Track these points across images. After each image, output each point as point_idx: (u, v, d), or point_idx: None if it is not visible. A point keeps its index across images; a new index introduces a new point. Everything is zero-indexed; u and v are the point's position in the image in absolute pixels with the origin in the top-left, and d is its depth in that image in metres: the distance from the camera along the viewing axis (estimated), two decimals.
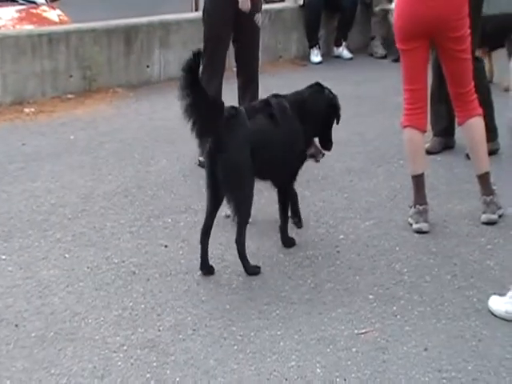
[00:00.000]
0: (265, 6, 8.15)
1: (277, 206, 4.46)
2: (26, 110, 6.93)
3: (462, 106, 4.72)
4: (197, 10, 8.44)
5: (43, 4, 8.52)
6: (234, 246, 4.12)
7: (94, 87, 7.47)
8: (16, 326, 3.62)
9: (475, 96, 4.75)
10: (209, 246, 4.15)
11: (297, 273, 4.15)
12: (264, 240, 4.43)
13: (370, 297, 3.91)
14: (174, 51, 8.00)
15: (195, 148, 5.54)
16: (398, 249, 4.42)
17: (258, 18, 5.73)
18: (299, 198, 4.63)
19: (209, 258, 4.15)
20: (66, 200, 5.05)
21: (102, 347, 3.47)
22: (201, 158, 5.41)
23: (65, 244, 4.45)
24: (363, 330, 3.61)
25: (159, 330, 3.61)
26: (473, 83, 4.73)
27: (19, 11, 8.30)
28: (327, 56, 8.87)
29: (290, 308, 3.80)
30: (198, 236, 4.23)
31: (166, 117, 6.75)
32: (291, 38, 8.90)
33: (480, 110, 4.73)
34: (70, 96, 7.32)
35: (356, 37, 9.15)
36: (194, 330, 3.62)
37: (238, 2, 5.51)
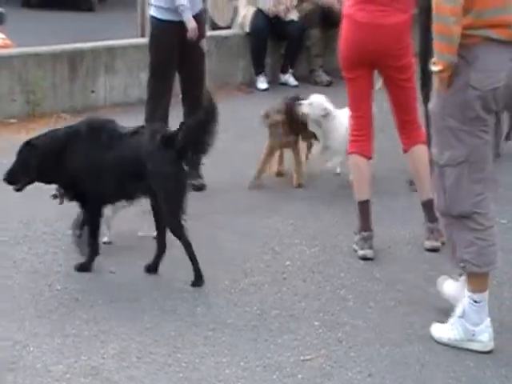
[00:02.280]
0: (211, 33, 8.23)
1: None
2: None
3: (407, 133, 4.80)
4: (143, 35, 8.41)
5: None
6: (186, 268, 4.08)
7: (37, 112, 7.38)
8: None
9: (419, 124, 4.84)
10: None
11: (243, 299, 4.14)
12: (208, 267, 4.41)
13: (316, 323, 3.91)
14: (120, 77, 7.97)
15: None
16: (343, 275, 4.45)
17: (203, 43, 5.76)
18: (246, 225, 4.63)
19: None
20: (7, 226, 4.96)
21: (45, 376, 3.40)
22: None
23: (5, 271, 4.36)
24: (308, 357, 3.61)
25: (103, 358, 3.55)
26: (417, 111, 4.82)
27: None
28: (273, 83, 8.94)
29: (236, 335, 3.79)
30: (144, 262, 4.18)
31: None
32: (237, 65, 8.94)
33: (424, 138, 4.81)
34: (12, 120, 7.22)
35: (300, 64, 9.25)
36: (139, 357, 3.57)
37: (183, 29, 5.53)
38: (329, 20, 8.84)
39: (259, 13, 8.79)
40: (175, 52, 5.63)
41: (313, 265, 4.57)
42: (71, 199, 4.45)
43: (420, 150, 4.78)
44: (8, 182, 4.38)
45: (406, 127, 4.79)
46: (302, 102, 5.73)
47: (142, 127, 4.44)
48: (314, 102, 5.70)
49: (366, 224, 4.71)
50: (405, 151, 4.90)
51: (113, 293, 4.16)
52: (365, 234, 4.68)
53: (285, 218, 5.25)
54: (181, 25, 5.55)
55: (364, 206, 4.73)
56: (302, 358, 3.59)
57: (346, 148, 4.92)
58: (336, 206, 5.48)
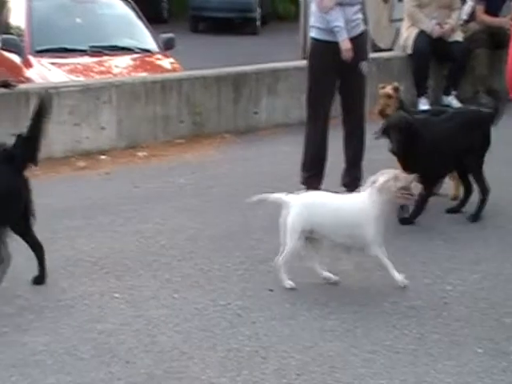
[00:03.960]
0: (373, 55, 8.23)
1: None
2: (139, 153, 7.19)
3: None
4: (305, 58, 8.56)
5: (157, 52, 8.86)
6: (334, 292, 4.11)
7: (202, 133, 7.68)
8: (127, 362, 3.73)
9: None
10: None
11: (401, 322, 4.11)
12: (370, 289, 4.41)
13: (479, 350, 3.82)
14: (281, 98, 8.14)
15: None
16: (510, 303, 4.31)
17: (364, 66, 5.77)
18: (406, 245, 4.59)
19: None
20: (175, 242, 5.19)
21: None
22: None
23: (173, 284, 4.57)
24: None
25: (263, 373, 3.64)
26: None
27: (134, 59, 8.66)
28: (436, 105, 8.81)
29: (394, 357, 3.77)
30: (302, 281, 4.24)
31: (273, 163, 6.86)
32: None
33: None
34: (180, 141, 7.55)
35: (464, 86, 9.07)
36: (298, 374, 3.63)
37: (340, 50, 5.57)
38: (496, 40, 8.63)
39: (422, 34, 8.70)
40: (333, 73, 5.67)
41: (475, 291, 4.46)
42: None
43: None
44: None
45: None
46: None
47: None
48: None
49: None
50: None
51: (273, 310, 4.25)
52: None
53: (445, 242, 5.16)
54: (338, 46, 5.58)
55: None
56: None
57: None
58: (503, 231, 5.33)
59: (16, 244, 4.42)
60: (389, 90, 5.80)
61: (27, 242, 4.49)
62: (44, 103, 4.38)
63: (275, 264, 4.50)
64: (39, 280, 4.48)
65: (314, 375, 3.63)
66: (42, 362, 3.69)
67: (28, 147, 4.30)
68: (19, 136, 4.34)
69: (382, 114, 5.72)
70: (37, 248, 4.52)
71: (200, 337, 3.98)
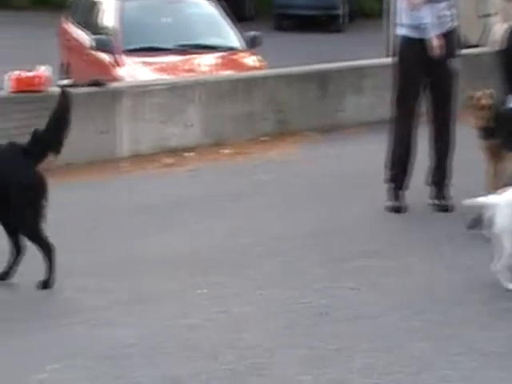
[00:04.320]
0: (462, 51, 8.06)
1: None
2: (224, 151, 7.25)
3: None
4: (389, 55, 8.46)
5: (242, 50, 8.91)
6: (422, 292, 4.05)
7: (287, 130, 7.69)
8: (210, 357, 3.77)
9: None
10: None
11: (493, 324, 4.02)
12: (457, 288, 4.33)
13: None
14: (366, 96, 8.08)
15: (385, 192, 5.57)
16: None
17: (453, 63, 5.66)
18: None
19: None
20: (259, 239, 5.21)
21: None
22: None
23: (257, 282, 4.60)
24: None
25: (347, 372, 3.63)
26: None
27: (220, 57, 8.73)
28: None
29: (483, 360, 3.69)
30: (388, 281, 4.21)
31: (357, 161, 6.82)
32: (488, 84, 8.68)
33: None
34: (264, 138, 7.58)
35: None
36: (383, 374, 3.60)
37: (428, 47, 5.49)
38: None
39: None
40: (420, 70, 5.59)
41: None
42: None
43: None
44: None
45: None
46: None
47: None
48: None
49: None
50: None
51: (357, 309, 4.22)
52: None
53: None
54: (425, 43, 5.50)
55: None
56: None
57: None
58: None
59: (102, 241, 4.51)
60: (485, 99, 5.51)
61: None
62: (64, 99, 4.48)
63: (494, 268, 4.36)
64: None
65: (399, 375, 3.59)
66: (131, 356, 3.77)
67: (43, 142, 4.39)
68: (35, 132, 4.44)
69: (483, 128, 5.45)
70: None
71: (283, 334, 3.99)
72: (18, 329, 3.98)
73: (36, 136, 4.42)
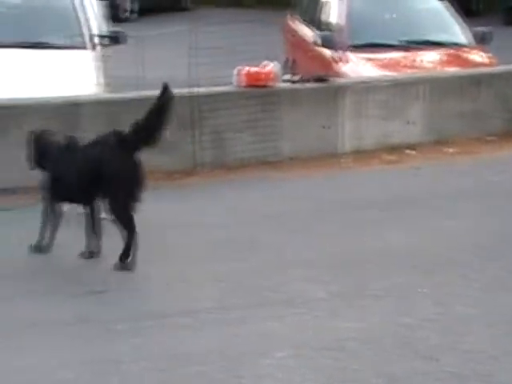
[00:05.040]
0: None
1: None
2: (448, 149, 7.06)
3: None
4: None
5: (469, 46, 8.62)
6: None
7: None
8: (429, 358, 3.68)
9: None
10: None
11: None
12: None
13: None
14: None
15: None
16: None
17: None
18: None
19: None
20: (482, 241, 5.03)
21: None
22: None
23: (481, 285, 4.43)
24: None
25: None
26: None
27: (445, 54, 8.51)
28: None
29: None
30: None
31: None
32: None
33: None
34: (491, 138, 7.29)
35: None
36: None
37: None
38: None
39: None
40: None
41: None
42: None
43: None
44: None
45: None
46: None
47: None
48: None
49: None
50: None
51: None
52: None
53: None
54: None
55: None
56: None
57: None
58: None
59: (325, 235, 4.53)
60: None
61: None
62: (165, 93, 4.64)
63: None
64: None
65: None
66: (350, 348, 3.79)
67: (141, 133, 4.63)
68: (135, 123, 4.69)
69: None
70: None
71: (509, 341, 3.81)
72: (251, 316, 4.12)
73: (135, 127, 4.68)
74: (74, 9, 7.75)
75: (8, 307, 4.22)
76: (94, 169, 4.67)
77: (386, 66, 8.15)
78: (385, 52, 8.38)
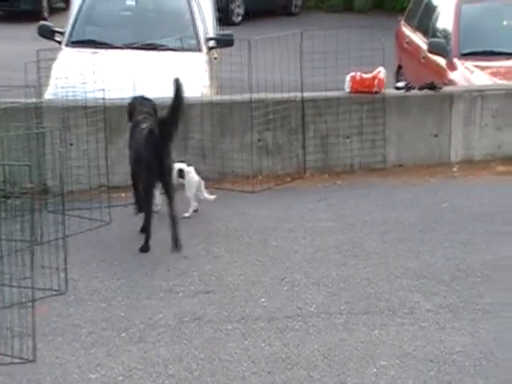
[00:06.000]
0: None
1: None
2: None
3: None
4: None
5: None
6: None
7: None
8: None
9: None
10: None
11: None
12: None
13: None
14: None
15: None
16: None
17: None
18: None
19: None
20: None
21: None
22: None
23: None
24: None
25: None
26: None
27: None
28: None
29: None
30: None
31: None
32: None
33: None
34: None
35: None
36: None
37: None
38: None
39: None
40: None
41: None
42: None
43: None
44: None
45: None
46: None
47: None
48: None
49: None
50: None
51: None
52: None
53: None
54: None
55: None
56: None
57: None
58: None
59: (433, 244, 4.46)
60: None
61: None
62: (177, 91, 4.97)
63: None
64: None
65: None
66: (458, 363, 3.73)
67: (164, 127, 5.07)
68: (160, 119, 5.22)
69: None
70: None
71: None
72: (356, 323, 4.13)
73: (161, 122, 5.13)
74: (191, 12, 7.95)
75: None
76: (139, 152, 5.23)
77: (498, 74, 7.94)
78: (498, 60, 8.18)
